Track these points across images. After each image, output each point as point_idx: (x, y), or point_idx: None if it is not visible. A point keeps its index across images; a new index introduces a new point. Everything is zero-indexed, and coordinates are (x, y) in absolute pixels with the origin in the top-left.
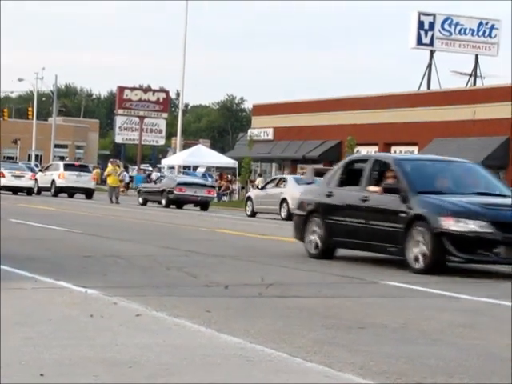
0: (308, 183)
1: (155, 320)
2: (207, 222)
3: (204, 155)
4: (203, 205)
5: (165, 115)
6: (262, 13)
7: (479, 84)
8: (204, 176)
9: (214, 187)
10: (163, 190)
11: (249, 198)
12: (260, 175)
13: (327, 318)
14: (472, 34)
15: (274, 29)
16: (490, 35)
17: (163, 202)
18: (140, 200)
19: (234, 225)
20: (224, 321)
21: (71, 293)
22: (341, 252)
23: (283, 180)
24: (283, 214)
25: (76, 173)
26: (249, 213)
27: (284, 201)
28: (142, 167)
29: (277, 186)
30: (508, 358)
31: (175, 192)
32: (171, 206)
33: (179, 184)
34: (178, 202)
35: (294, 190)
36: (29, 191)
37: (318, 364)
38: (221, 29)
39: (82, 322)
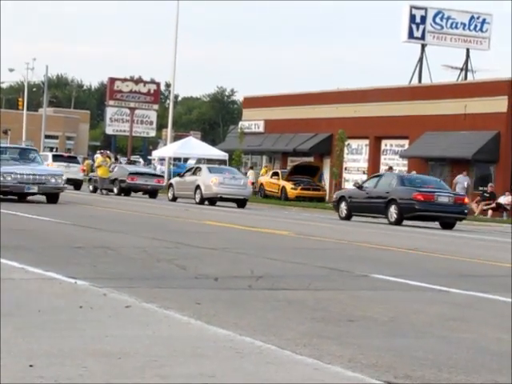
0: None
1: (145, 312)
2: (195, 214)
3: (194, 147)
4: (152, 193)
5: (155, 107)
6: (253, 4)
7: (470, 78)
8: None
9: (162, 176)
10: (115, 179)
11: (170, 185)
12: (251, 168)
13: (316, 311)
14: (463, 28)
15: (265, 21)
16: (481, 29)
17: (115, 190)
18: (90, 188)
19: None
20: (214, 313)
21: (61, 284)
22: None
23: (199, 169)
24: (197, 198)
25: (65, 164)
26: (170, 198)
27: (198, 187)
28: (132, 158)
29: (194, 174)
30: (497, 351)
31: (127, 181)
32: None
33: (131, 173)
34: (130, 191)
35: (206, 178)
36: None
37: (307, 357)
38: (212, 20)
39: (71, 314)
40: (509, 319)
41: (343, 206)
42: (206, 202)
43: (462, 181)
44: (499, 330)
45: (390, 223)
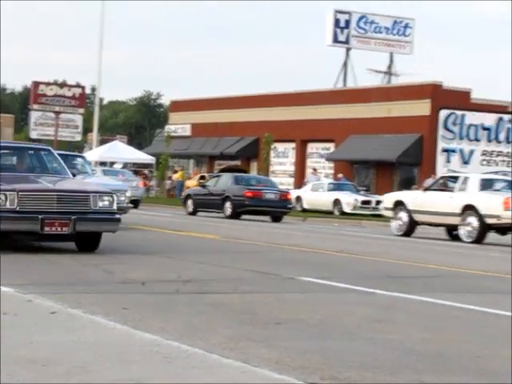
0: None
1: (71, 317)
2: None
3: (121, 151)
4: None
5: (81, 110)
6: (178, 7)
7: (394, 82)
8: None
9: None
10: None
11: None
12: (176, 172)
13: (244, 314)
14: (387, 33)
15: (191, 24)
16: (404, 34)
17: None
18: None
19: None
20: (140, 318)
21: None
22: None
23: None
24: None
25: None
26: None
27: None
28: None
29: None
30: (421, 351)
31: None
32: None
33: None
34: None
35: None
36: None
37: (235, 360)
38: (138, 24)
39: None
40: (432, 319)
41: (189, 202)
42: None
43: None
44: (424, 330)
45: (226, 217)
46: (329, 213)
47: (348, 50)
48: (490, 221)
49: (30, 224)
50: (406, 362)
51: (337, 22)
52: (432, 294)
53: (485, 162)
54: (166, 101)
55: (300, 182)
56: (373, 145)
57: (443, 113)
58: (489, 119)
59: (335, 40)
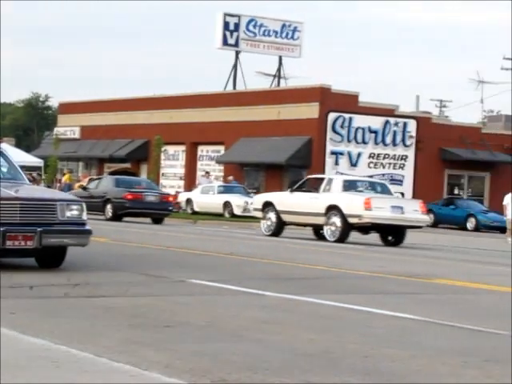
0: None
1: None
2: None
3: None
4: None
5: None
6: (66, 9)
7: (283, 85)
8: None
9: None
10: None
11: None
12: (64, 174)
13: (134, 318)
14: (276, 36)
15: (78, 25)
16: (292, 37)
17: None
18: None
19: None
20: (29, 322)
21: None
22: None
23: None
24: None
25: None
26: None
27: None
28: None
29: None
30: (309, 352)
31: None
32: None
33: None
34: None
35: None
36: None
37: (124, 364)
38: (25, 24)
39: None
40: (319, 320)
41: None
42: None
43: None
44: (311, 331)
45: (107, 219)
46: (219, 215)
47: (237, 52)
48: (352, 220)
49: None
50: (294, 363)
51: (226, 24)
52: (319, 295)
53: (372, 165)
54: (54, 103)
55: (190, 184)
56: (263, 147)
57: (331, 116)
58: (376, 122)
59: (225, 43)
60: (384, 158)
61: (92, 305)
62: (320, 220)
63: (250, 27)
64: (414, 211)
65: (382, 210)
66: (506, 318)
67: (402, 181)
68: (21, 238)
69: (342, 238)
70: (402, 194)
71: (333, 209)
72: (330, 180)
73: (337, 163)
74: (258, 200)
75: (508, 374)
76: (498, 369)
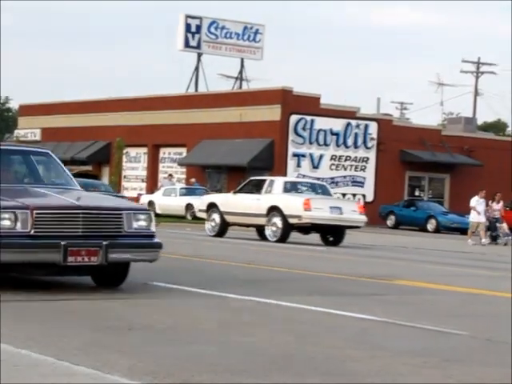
0: None
1: None
2: None
3: None
4: None
5: None
6: (27, 10)
7: (245, 87)
8: None
9: None
10: None
11: None
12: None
13: (96, 320)
14: (237, 38)
15: (39, 27)
16: (254, 39)
17: None
18: None
19: None
20: None
21: None
22: None
23: None
24: None
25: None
26: None
27: None
28: None
29: None
30: (272, 353)
31: None
32: None
33: None
34: None
35: None
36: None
37: (86, 367)
38: None
39: None
40: (282, 321)
41: None
42: None
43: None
44: (273, 332)
45: None
46: (181, 217)
47: (199, 55)
48: (292, 221)
49: (49, 253)
50: (257, 364)
51: (188, 26)
52: (280, 297)
53: (334, 167)
54: (14, 105)
55: (152, 186)
56: (225, 149)
57: (293, 118)
58: (337, 124)
59: (186, 45)
60: (345, 160)
61: (53, 308)
62: (262, 221)
63: (212, 29)
64: (352, 212)
65: (321, 211)
66: (464, 319)
67: (363, 183)
68: (84, 253)
69: (283, 238)
70: (364, 196)
71: (274, 210)
72: (272, 181)
73: (299, 165)
74: (203, 201)
75: (467, 374)
76: (458, 369)
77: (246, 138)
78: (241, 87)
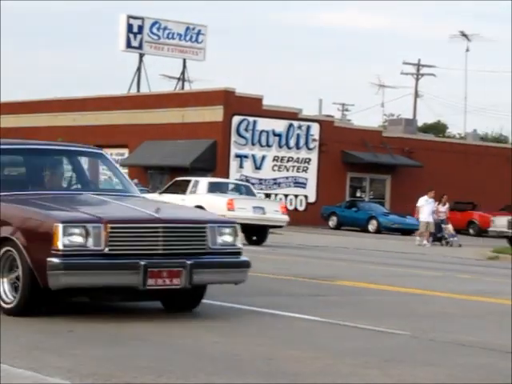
0: None
1: None
2: None
3: None
4: None
5: None
6: None
7: (187, 88)
8: None
9: None
10: None
11: None
12: None
13: (35, 323)
14: (180, 39)
15: None
16: (196, 40)
17: None
18: None
19: None
20: None
21: None
22: None
23: None
24: None
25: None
26: None
27: None
28: None
29: None
30: (214, 354)
31: None
32: None
33: None
34: None
35: None
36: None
37: (26, 369)
38: None
39: None
40: (225, 323)
41: None
42: None
43: None
44: (216, 333)
45: None
46: None
47: (141, 55)
48: None
49: (125, 275)
50: (199, 366)
51: (130, 27)
52: (223, 298)
53: (276, 168)
54: None
55: None
56: (167, 150)
57: (236, 119)
58: (279, 125)
59: (128, 45)
60: (288, 161)
61: None
62: None
63: (154, 30)
64: (275, 211)
65: (244, 211)
66: (406, 319)
67: (305, 183)
68: (165, 275)
69: None
70: (306, 197)
71: None
72: (197, 182)
73: (241, 166)
74: None
75: (408, 374)
76: (399, 369)
77: (188, 138)
78: (183, 88)
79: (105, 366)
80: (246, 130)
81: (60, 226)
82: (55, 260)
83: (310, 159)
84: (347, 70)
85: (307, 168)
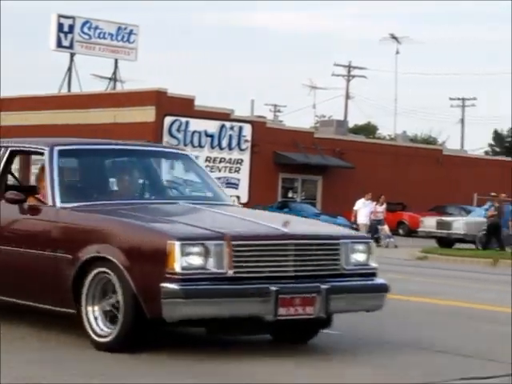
0: None
1: None
2: None
3: None
4: None
5: None
6: None
7: (119, 88)
8: None
9: None
10: None
11: None
12: None
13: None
14: (111, 39)
15: None
16: (128, 40)
17: None
18: None
19: None
20: None
21: None
22: None
23: None
24: None
25: None
26: None
27: None
28: None
29: None
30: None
31: None
32: None
33: None
34: None
35: None
36: None
37: None
38: None
39: None
40: None
41: None
42: None
43: None
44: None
45: None
46: None
47: (72, 55)
48: None
49: (253, 304)
50: (123, 365)
51: (60, 26)
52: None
53: (208, 168)
54: None
55: None
56: None
57: (168, 120)
58: (212, 126)
59: (59, 45)
60: (220, 161)
61: None
62: None
63: (85, 29)
64: None
65: None
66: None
67: (237, 184)
68: (298, 303)
69: None
70: (238, 198)
71: None
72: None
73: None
74: None
75: (336, 374)
76: (327, 368)
77: (120, 139)
78: (115, 88)
79: (38, 369)
80: (178, 130)
81: (177, 244)
82: (172, 286)
83: (242, 160)
84: (279, 71)
85: (239, 169)
